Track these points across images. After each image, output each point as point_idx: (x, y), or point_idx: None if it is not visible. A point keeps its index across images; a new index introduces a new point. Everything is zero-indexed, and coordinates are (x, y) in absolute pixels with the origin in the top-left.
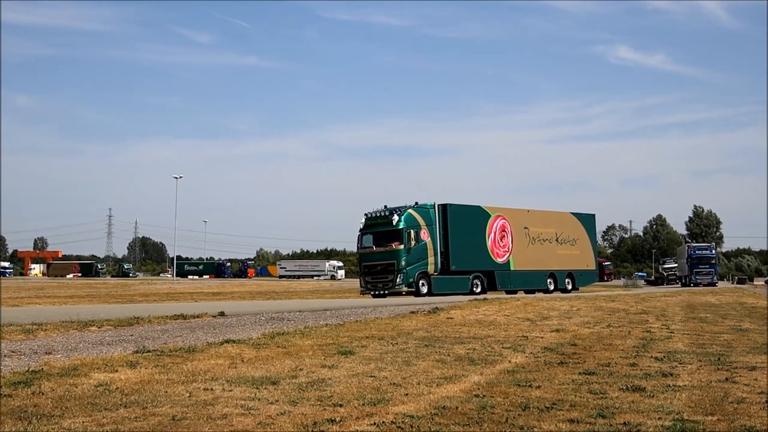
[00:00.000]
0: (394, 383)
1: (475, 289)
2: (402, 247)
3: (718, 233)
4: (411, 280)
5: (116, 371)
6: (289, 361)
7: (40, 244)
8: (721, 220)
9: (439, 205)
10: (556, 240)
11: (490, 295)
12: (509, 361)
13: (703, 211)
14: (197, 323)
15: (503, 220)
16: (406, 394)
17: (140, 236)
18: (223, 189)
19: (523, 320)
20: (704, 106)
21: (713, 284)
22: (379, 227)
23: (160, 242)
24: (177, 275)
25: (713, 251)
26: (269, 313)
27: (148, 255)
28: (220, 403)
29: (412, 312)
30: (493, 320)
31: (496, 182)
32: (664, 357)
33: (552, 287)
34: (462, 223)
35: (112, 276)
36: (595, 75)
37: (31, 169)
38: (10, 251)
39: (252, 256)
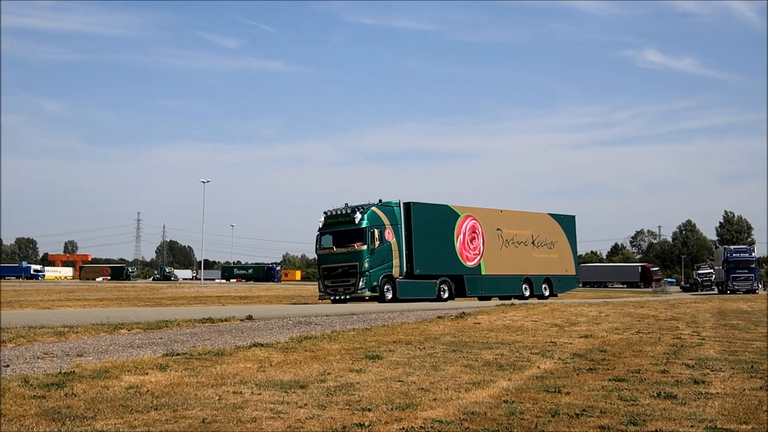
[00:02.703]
0: (423, 388)
1: (442, 294)
2: (365, 247)
3: (749, 239)
4: (375, 283)
5: (146, 374)
6: (317, 365)
7: (70, 247)
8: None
9: (403, 203)
10: (533, 243)
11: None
12: (538, 367)
13: (733, 216)
14: (225, 327)
15: (473, 221)
16: (435, 399)
17: (168, 240)
18: (248, 193)
19: (551, 326)
20: (733, 110)
21: (753, 291)
22: (340, 226)
23: (188, 246)
24: (225, 278)
25: (752, 254)
26: (296, 317)
27: (175, 258)
28: (249, 406)
29: (439, 317)
30: (521, 325)
31: (519, 187)
32: (696, 364)
33: (527, 293)
34: (427, 224)
35: (154, 279)
36: (622, 79)
37: (60, 173)
38: (41, 254)
39: (278, 260)
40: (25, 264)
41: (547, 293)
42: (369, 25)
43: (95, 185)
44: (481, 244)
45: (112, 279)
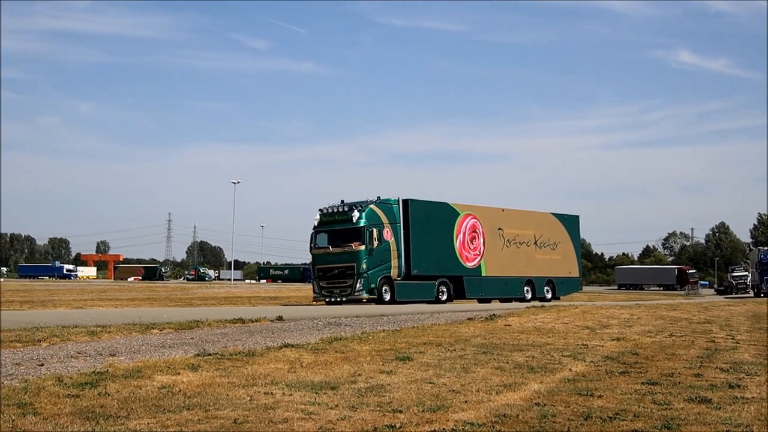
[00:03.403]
0: (453, 390)
1: (440, 296)
2: (363, 247)
3: None
4: (373, 285)
5: (178, 374)
6: (347, 366)
7: (102, 247)
8: None
9: (402, 200)
10: (535, 243)
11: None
12: (569, 370)
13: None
14: (256, 327)
15: (474, 220)
16: (466, 401)
17: (198, 240)
18: (278, 194)
19: (582, 328)
20: (766, 111)
21: None
22: (337, 225)
23: (218, 246)
24: (262, 279)
25: None
26: (326, 318)
27: (206, 259)
28: (280, 407)
29: (470, 319)
30: (552, 328)
31: (549, 188)
32: (730, 368)
33: (529, 296)
34: (426, 222)
35: (188, 280)
36: (654, 80)
37: (94, 174)
38: (74, 254)
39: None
40: (58, 264)
41: (549, 296)
42: (398, 26)
43: (128, 186)
44: (482, 244)
45: (145, 279)
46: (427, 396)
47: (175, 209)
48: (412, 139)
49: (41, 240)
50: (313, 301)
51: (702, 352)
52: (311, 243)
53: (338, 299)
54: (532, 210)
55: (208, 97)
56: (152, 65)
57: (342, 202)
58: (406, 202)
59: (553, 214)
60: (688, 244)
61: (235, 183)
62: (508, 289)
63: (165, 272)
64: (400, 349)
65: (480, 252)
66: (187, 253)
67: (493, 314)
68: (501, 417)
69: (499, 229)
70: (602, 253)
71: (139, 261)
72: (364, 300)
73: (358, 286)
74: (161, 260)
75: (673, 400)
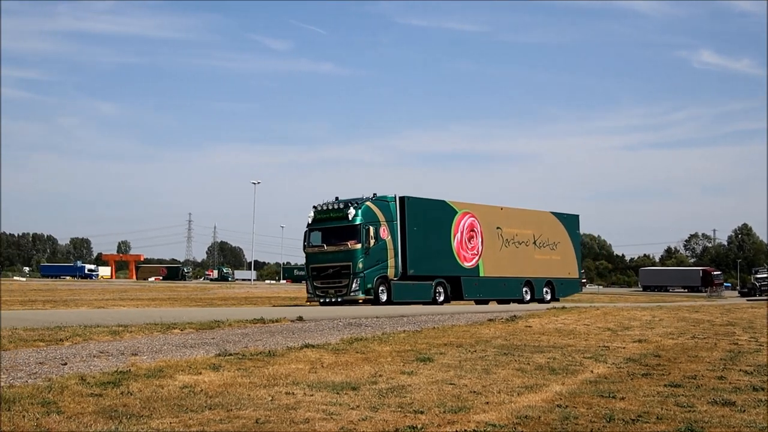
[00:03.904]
0: (474, 391)
1: (437, 297)
2: (359, 246)
3: None
4: (369, 285)
5: (200, 373)
6: (368, 366)
7: (123, 247)
8: None
9: (398, 198)
10: (534, 243)
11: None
12: (591, 372)
13: None
14: (276, 327)
15: (472, 218)
16: (487, 403)
17: (218, 240)
18: (298, 194)
19: (604, 330)
20: None
21: None
22: (332, 222)
23: (238, 247)
24: (287, 280)
25: None
26: (346, 319)
27: (226, 259)
28: (302, 407)
29: (490, 320)
30: (573, 329)
31: (571, 189)
32: (754, 370)
33: (528, 297)
34: (423, 220)
35: (211, 280)
36: (677, 80)
37: (115, 174)
38: (95, 254)
39: None
40: (79, 263)
41: (548, 297)
42: (418, 27)
43: (148, 186)
44: (480, 244)
45: (168, 279)
46: (448, 397)
47: (196, 209)
48: (432, 140)
49: (63, 240)
50: (306, 302)
51: (725, 355)
52: (304, 241)
53: (333, 300)
54: (532, 209)
55: (228, 98)
56: (173, 66)
57: (336, 198)
58: (402, 199)
59: (553, 213)
60: (710, 245)
61: (255, 183)
62: (506, 290)
63: (188, 272)
64: (420, 350)
65: (478, 252)
66: (207, 253)
67: (514, 315)
68: (522, 419)
69: (498, 228)
70: (623, 255)
71: (159, 261)
72: (360, 301)
73: (353, 286)
74: (182, 260)
75: (696, 402)
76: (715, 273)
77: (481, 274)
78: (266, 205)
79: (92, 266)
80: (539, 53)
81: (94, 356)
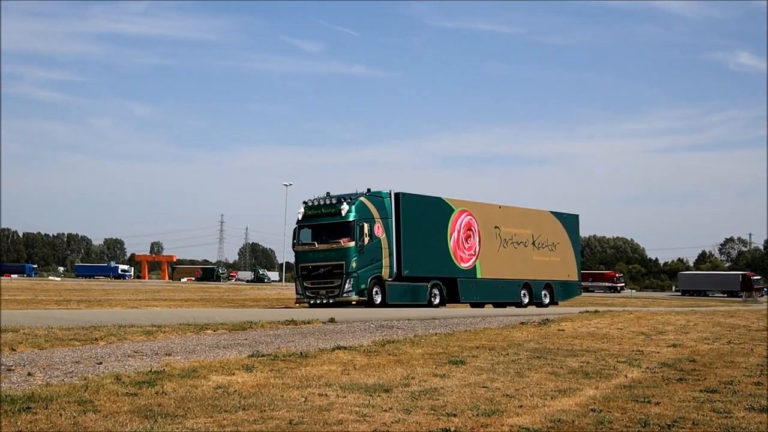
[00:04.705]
0: (507, 394)
1: (433, 299)
2: (352, 244)
3: None
4: (363, 286)
5: (233, 374)
6: (400, 369)
7: (156, 248)
8: None
9: (394, 194)
10: (533, 244)
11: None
12: (625, 376)
13: None
14: (308, 329)
15: (469, 217)
16: (520, 406)
17: (250, 242)
18: None
19: (637, 334)
20: None
21: None
22: (323, 218)
23: (270, 248)
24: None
25: None
26: (378, 321)
27: (257, 261)
28: (335, 408)
29: (522, 323)
30: (606, 333)
31: (604, 192)
32: None
33: (526, 300)
34: (418, 218)
35: (247, 281)
36: (713, 82)
37: (148, 175)
38: (128, 255)
39: None
40: (113, 264)
41: (547, 300)
42: (450, 29)
43: (181, 187)
44: (477, 244)
45: (202, 280)
46: (481, 400)
47: (228, 211)
48: (464, 142)
49: (97, 240)
50: (296, 303)
51: (762, 360)
52: (294, 239)
53: (324, 301)
54: (531, 208)
55: (260, 100)
56: (205, 67)
57: (328, 194)
58: (397, 195)
59: (552, 212)
60: (745, 249)
61: (286, 185)
62: (503, 293)
63: (222, 273)
64: (452, 352)
65: (475, 252)
66: (239, 254)
67: (546, 319)
68: (556, 422)
69: (496, 227)
70: (656, 259)
71: (192, 262)
72: (353, 302)
73: (346, 286)
74: (214, 261)
75: (733, 408)
76: (754, 278)
77: (478, 276)
78: (297, 207)
79: (125, 267)
80: (570, 55)
81: (129, 356)
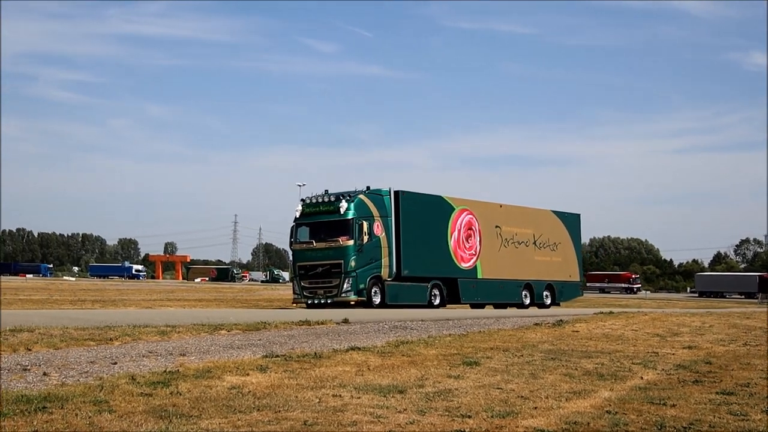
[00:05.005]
0: (522, 396)
1: (433, 300)
2: (351, 243)
3: None
4: (362, 286)
5: (247, 375)
6: (414, 370)
7: (169, 248)
8: None
9: (393, 192)
10: (534, 243)
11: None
12: (640, 378)
13: None
14: (322, 329)
15: (470, 216)
16: (535, 408)
17: (264, 242)
18: None
19: (652, 335)
20: None
21: None
22: (322, 216)
23: (283, 249)
24: None
25: None
26: (392, 322)
27: (271, 261)
28: (349, 409)
29: (536, 324)
30: (621, 335)
31: (620, 193)
32: None
33: (527, 301)
34: (418, 217)
35: (262, 281)
36: (729, 82)
37: (162, 176)
38: (143, 255)
39: None
40: (127, 264)
41: (548, 301)
42: (467, 29)
43: (195, 188)
44: (478, 243)
45: (217, 280)
46: (495, 401)
47: (242, 211)
48: (481, 143)
49: (111, 240)
50: (293, 303)
51: None
52: (291, 237)
53: (322, 301)
54: (532, 207)
55: (276, 100)
56: (221, 68)
57: (326, 191)
58: (397, 193)
59: (554, 211)
60: (761, 251)
61: (300, 186)
62: (504, 294)
63: (237, 273)
64: (466, 353)
65: (476, 252)
66: (252, 254)
67: (560, 320)
68: (571, 424)
69: (497, 226)
70: (671, 260)
71: (205, 262)
72: (352, 303)
73: (345, 286)
74: (227, 262)
75: (750, 411)
76: None
77: (479, 276)
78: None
79: (139, 267)
80: (588, 55)
81: (143, 356)
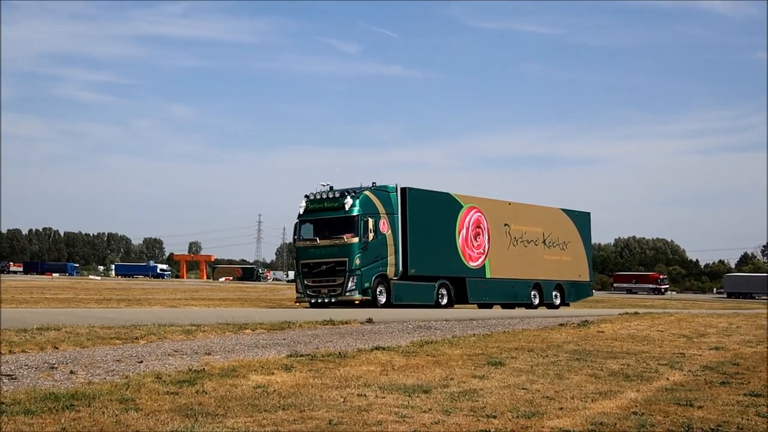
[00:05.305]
0: (547, 396)
1: (440, 300)
2: (356, 240)
3: None
4: (367, 285)
5: (272, 374)
6: (439, 370)
7: (194, 248)
8: None
9: (400, 188)
10: (543, 242)
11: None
12: (666, 379)
13: None
14: (346, 329)
15: (478, 213)
16: (561, 409)
17: (287, 242)
18: None
19: (679, 336)
20: None
21: None
22: (326, 213)
23: None
24: None
25: None
26: (416, 321)
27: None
28: (374, 409)
29: (561, 324)
30: (647, 335)
31: (643, 193)
32: None
33: (537, 301)
34: (425, 214)
35: (287, 281)
36: (754, 82)
37: (186, 175)
38: (167, 254)
39: None
40: (152, 263)
41: (558, 302)
42: (489, 29)
43: (219, 188)
44: (486, 242)
45: (242, 279)
46: (521, 402)
47: (265, 211)
48: (502, 143)
49: (136, 240)
50: (296, 302)
51: None
52: (294, 234)
53: (325, 300)
54: (541, 205)
55: (298, 101)
56: (244, 69)
57: (331, 187)
58: (404, 190)
59: (563, 210)
60: None
61: (323, 186)
62: (513, 294)
63: (262, 273)
64: (491, 353)
65: (484, 250)
66: (276, 254)
67: (585, 320)
68: (597, 425)
69: (506, 225)
70: (697, 260)
71: (229, 262)
72: (357, 302)
73: (349, 285)
74: (251, 261)
75: None
76: None
77: (488, 276)
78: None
79: (164, 266)
80: (611, 55)
81: (169, 355)
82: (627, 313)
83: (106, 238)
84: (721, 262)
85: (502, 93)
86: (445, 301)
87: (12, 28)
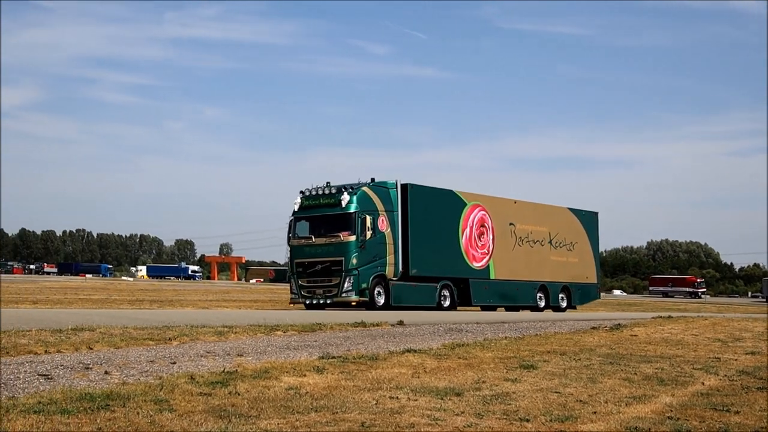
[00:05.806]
0: (581, 400)
1: (442, 302)
2: (353, 238)
3: None
4: (364, 285)
5: (304, 376)
6: (471, 372)
7: (225, 249)
8: None
9: (400, 185)
10: (550, 242)
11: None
12: (702, 383)
13: None
14: (377, 331)
15: (483, 212)
16: (594, 413)
17: None
18: None
19: (713, 340)
20: None
21: None
22: (322, 210)
23: None
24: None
25: None
26: (447, 324)
27: None
28: (406, 412)
29: (593, 328)
30: (681, 339)
31: (677, 196)
32: None
33: (542, 304)
34: (427, 212)
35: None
36: None
37: (217, 177)
38: (198, 256)
39: None
40: (183, 265)
41: (564, 304)
42: (521, 31)
43: (250, 189)
44: (491, 242)
45: (275, 281)
46: (554, 405)
47: None
48: (533, 144)
49: (168, 241)
50: (290, 303)
51: None
52: (289, 232)
53: (321, 301)
54: (547, 204)
55: (330, 102)
56: (275, 70)
57: (328, 183)
58: (405, 187)
59: (570, 209)
60: None
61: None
62: (518, 296)
63: None
64: (523, 356)
65: (489, 250)
66: None
67: (618, 324)
68: (632, 430)
69: (511, 224)
70: (731, 263)
71: (260, 263)
72: (353, 303)
73: (346, 285)
74: (282, 263)
75: None
76: None
77: (492, 277)
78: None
79: (195, 267)
80: (643, 56)
81: (202, 356)
82: (660, 317)
83: (138, 240)
84: (756, 265)
85: (533, 94)
86: (447, 303)
87: (46, 31)
